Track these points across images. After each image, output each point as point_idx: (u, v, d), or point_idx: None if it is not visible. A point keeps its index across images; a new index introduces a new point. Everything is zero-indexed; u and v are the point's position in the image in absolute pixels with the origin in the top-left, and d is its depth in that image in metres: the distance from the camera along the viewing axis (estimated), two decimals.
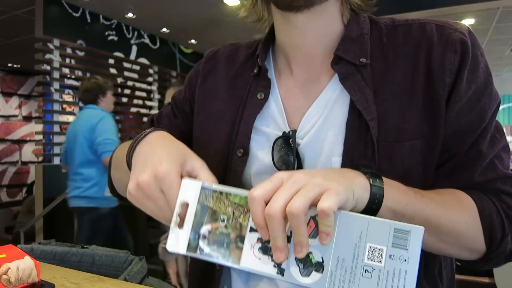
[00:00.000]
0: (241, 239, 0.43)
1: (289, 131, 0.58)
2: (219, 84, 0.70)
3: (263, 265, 0.43)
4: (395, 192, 0.48)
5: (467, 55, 0.54)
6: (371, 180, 0.47)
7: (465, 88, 0.54)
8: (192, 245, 0.44)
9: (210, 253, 0.44)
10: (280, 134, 0.59)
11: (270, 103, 0.63)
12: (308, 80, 0.62)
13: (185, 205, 0.45)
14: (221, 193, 0.44)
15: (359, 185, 0.45)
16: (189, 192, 0.45)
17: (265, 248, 0.43)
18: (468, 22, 4.77)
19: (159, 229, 4.27)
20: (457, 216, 0.52)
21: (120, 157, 0.67)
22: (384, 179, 0.48)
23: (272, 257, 0.42)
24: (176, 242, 0.44)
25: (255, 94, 0.63)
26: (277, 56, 0.67)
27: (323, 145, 0.57)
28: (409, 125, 0.54)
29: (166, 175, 0.46)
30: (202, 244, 0.44)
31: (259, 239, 0.43)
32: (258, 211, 0.41)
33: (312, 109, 0.59)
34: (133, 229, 3.17)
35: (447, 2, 3.27)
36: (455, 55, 0.54)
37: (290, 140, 0.57)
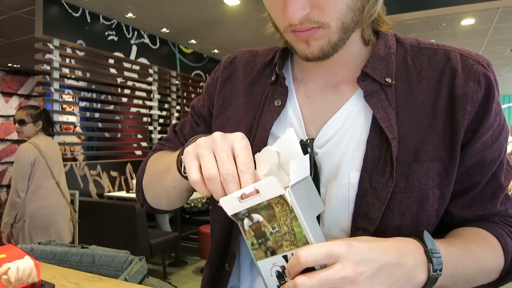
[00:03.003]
0: (272, 252, 0.46)
1: (307, 139, 0.59)
2: (237, 90, 0.71)
3: (271, 282, 0.47)
4: (446, 271, 0.50)
5: (493, 88, 0.57)
6: (431, 273, 0.48)
7: (493, 121, 0.57)
8: (238, 216, 0.46)
9: (244, 233, 0.47)
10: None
11: (288, 110, 0.64)
12: (327, 89, 0.63)
13: (255, 191, 0.44)
14: (292, 211, 0.43)
15: (415, 284, 0.47)
16: (267, 187, 0.44)
17: (280, 275, 0.46)
18: (468, 22, 4.77)
19: (159, 229, 4.27)
20: (491, 265, 0.57)
21: (161, 165, 0.67)
22: (442, 256, 0.49)
23: (278, 285, 0.46)
24: (230, 203, 0.45)
25: (272, 101, 0.64)
26: (296, 65, 0.69)
27: (342, 158, 0.58)
28: (427, 147, 0.56)
29: (241, 135, 0.48)
30: (246, 222, 0.46)
31: (283, 267, 0.45)
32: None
33: (333, 120, 0.60)
34: (133, 229, 3.17)
35: (447, 2, 3.27)
36: (478, 87, 0.56)
37: (308, 148, 0.58)
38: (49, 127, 2.95)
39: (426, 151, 0.56)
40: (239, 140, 0.47)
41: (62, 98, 4.41)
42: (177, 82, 5.77)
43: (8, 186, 6.85)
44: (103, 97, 4.75)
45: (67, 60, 4.16)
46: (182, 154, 0.53)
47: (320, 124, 0.61)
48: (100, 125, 4.92)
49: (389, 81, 0.58)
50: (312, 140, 0.59)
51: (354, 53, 0.63)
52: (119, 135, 5.14)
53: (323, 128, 0.60)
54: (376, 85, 0.58)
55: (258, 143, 0.62)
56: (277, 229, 0.44)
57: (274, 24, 0.60)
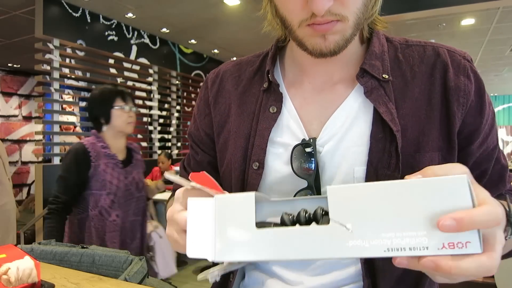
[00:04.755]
0: None
1: (310, 139, 0.60)
2: (229, 101, 0.71)
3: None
4: None
5: (481, 81, 0.61)
6: (508, 236, 0.45)
7: (488, 110, 0.61)
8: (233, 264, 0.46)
9: None
10: (297, 143, 0.60)
11: (283, 114, 0.64)
12: (324, 90, 0.64)
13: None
14: None
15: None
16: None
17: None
18: (468, 22, 4.77)
19: None
20: None
21: None
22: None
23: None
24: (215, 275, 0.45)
25: (267, 108, 0.65)
26: (288, 68, 0.69)
27: (344, 154, 0.59)
28: (427, 138, 0.58)
29: (170, 212, 0.51)
30: None
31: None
32: None
33: (334, 118, 0.61)
34: None
35: (447, 2, 3.27)
36: (468, 81, 0.60)
37: (311, 147, 0.58)
38: None
39: (427, 142, 0.58)
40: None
41: (62, 98, 4.41)
42: (177, 82, 5.76)
43: None
44: None
45: (67, 60, 4.16)
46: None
47: (319, 124, 0.61)
48: None
49: (386, 77, 0.60)
50: (315, 139, 0.59)
51: (352, 51, 0.64)
52: None
53: (325, 127, 0.61)
54: (375, 82, 0.60)
55: (257, 151, 0.63)
56: None
57: (283, 21, 0.59)
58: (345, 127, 0.60)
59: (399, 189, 0.36)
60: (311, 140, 0.59)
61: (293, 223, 0.41)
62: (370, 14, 0.60)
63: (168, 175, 0.47)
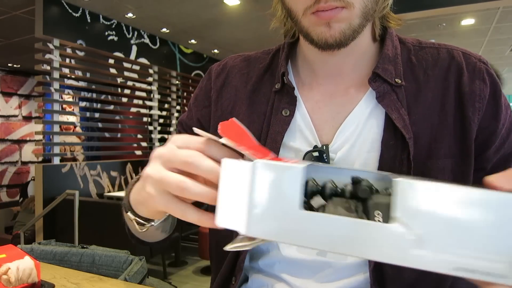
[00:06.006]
0: None
1: (322, 146, 0.58)
2: (237, 99, 0.68)
3: None
4: None
5: (498, 85, 0.58)
6: None
7: (505, 114, 0.59)
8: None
9: None
10: (309, 148, 0.59)
11: (296, 118, 0.62)
12: (336, 93, 0.63)
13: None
14: None
15: None
16: None
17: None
18: (468, 22, 4.77)
19: None
20: None
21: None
22: None
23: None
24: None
25: (279, 110, 0.63)
26: (300, 69, 0.67)
27: (355, 160, 0.58)
28: (440, 144, 0.56)
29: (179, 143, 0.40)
30: None
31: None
32: None
33: (347, 123, 0.59)
34: None
35: (447, 2, 3.27)
36: (484, 84, 0.58)
37: (324, 155, 0.57)
38: None
39: (439, 148, 0.56)
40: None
41: (62, 98, 4.41)
42: (177, 82, 5.76)
43: (8, 186, 6.86)
44: (103, 97, 4.75)
45: (67, 60, 4.16)
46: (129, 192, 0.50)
47: (331, 129, 0.60)
48: (100, 125, 4.92)
49: (399, 81, 0.59)
50: (327, 146, 0.58)
51: (363, 48, 0.62)
52: (119, 135, 5.14)
53: (338, 132, 0.59)
54: (387, 86, 0.59)
55: None
56: None
57: (289, 12, 0.57)
58: (357, 133, 0.58)
59: (489, 200, 0.29)
60: (324, 147, 0.58)
61: (314, 193, 0.35)
62: (382, 7, 0.58)
63: (197, 130, 0.41)
